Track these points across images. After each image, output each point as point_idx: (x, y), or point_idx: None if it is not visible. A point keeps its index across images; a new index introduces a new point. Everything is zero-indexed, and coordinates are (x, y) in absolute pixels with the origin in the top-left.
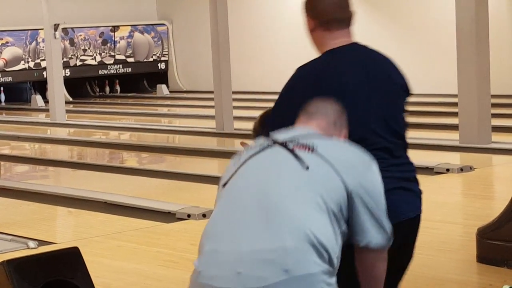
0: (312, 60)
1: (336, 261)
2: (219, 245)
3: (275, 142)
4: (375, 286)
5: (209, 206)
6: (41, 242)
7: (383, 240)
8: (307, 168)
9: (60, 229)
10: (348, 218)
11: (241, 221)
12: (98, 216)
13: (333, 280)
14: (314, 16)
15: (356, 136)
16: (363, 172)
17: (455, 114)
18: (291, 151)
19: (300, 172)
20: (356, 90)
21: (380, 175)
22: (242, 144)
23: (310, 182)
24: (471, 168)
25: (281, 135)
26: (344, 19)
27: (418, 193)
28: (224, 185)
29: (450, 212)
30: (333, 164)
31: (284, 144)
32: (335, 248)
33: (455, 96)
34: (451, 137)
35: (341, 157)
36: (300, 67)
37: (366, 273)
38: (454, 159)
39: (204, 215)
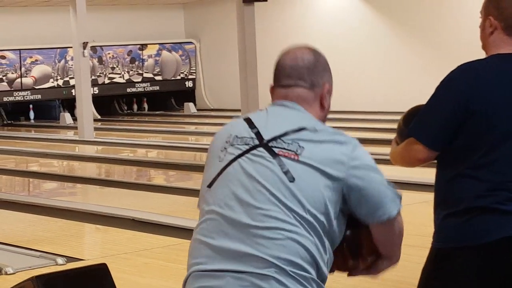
0: (476, 60)
1: (323, 265)
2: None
3: (260, 141)
4: (400, 243)
5: None
6: (69, 259)
7: (399, 203)
8: (293, 180)
9: (88, 246)
10: (355, 206)
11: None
12: (125, 233)
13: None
14: (498, 18)
15: None
16: (352, 161)
17: None
18: (277, 159)
19: (285, 184)
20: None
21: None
22: None
23: (295, 194)
24: None
25: (267, 130)
26: None
27: None
28: (209, 185)
29: None
30: (319, 168)
31: (270, 148)
32: (319, 259)
33: None
34: None
35: (327, 155)
36: (461, 65)
37: (391, 239)
38: None
39: None
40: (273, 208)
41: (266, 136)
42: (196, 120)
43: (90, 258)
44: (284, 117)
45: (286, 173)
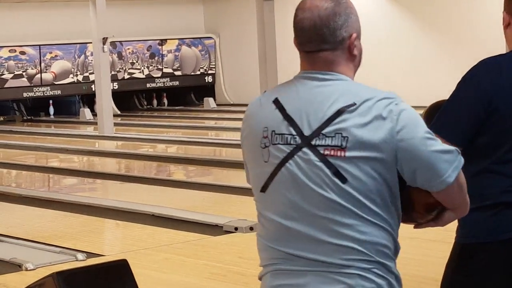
0: (498, 56)
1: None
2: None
3: (302, 139)
4: (464, 197)
5: (256, 219)
6: (90, 254)
7: (456, 164)
8: (345, 180)
9: (108, 242)
10: (410, 178)
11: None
12: (145, 229)
13: None
14: (510, 12)
15: None
16: (398, 134)
17: None
18: (324, 161)
19: (339, 187)
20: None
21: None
22: None
23: (352, 195)
24: None
25: (305, 121)
26: None
27: None
28: (262, 190)
29: None
30: (368, 157)
31: (315, 147)
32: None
33: None
34: None
35: (372, 138)
36: (483, 61)
37: (453, 200)
38: None
39: (251, 228)
40: (336, 215)
41: (307, 131)
42: (215, 115)
43: (110, 254)
44: (319, 97)
45: (336, 174)
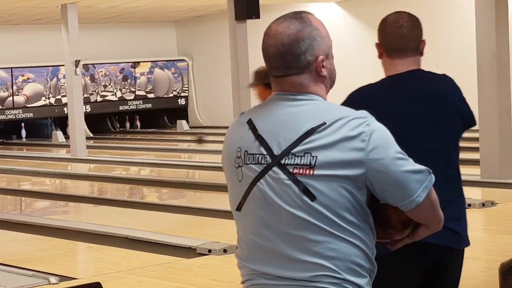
0: (373, 84)
1: (371, 255)
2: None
3: (272, 158)
4: (436, 213)
5: (230, 242)
6: (62, 278)
7: (426, 184)
8: (314, 198)
9: (81, 265)
10: (380, 196)
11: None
12: (119, 252)
13: None
14: (380, 43)
15: None
16: (369, 154)
17: (476, 149)
18: (293, 179)
19: (307, 204)
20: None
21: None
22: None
23: (320, 212)
24: (492, 204)
25: (275, 141)
26: (405, 49)
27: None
28: (238, 209)
29: (472, 247)
30: (337, 175)
31: (284, 166)
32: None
33: (476, 131)
34: (472, 172)
35: (341, 157)
36: (361, 88)
37: (425, 217)
38: (475, 194)
39: (225, 251)
40: (305, 232)
41: (276, 150)
42: (189, 138)
43: (83, 277)
44: (289, 117)
45: (305, 192)
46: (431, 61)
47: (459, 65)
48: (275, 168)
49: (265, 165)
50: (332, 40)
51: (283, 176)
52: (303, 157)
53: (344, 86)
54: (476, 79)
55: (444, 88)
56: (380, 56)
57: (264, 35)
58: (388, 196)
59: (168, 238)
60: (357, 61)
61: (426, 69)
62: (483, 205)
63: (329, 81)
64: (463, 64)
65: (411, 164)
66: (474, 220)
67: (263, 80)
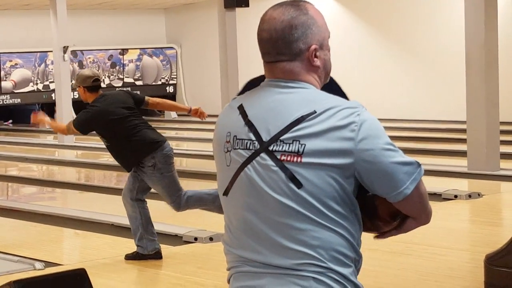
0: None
1: (357, 245)
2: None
3: (261, 144)
4: (425, 206)
5: (216, 230)
6: (48, 264)
7: (415, 176)
8: (300, 185)
9: (67, 251)
10: (368, 186)
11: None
12: (105, 238)
13: None
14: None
15: None
16: (358, 144)
17: (463, 141)
18: (281, 166)
19: (294, 192)
20: None
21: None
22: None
23: (307, 200)
24: (479, 195)
25: (264, 127)
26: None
27: None
28: (225, 193)
29: (458, 238)
30: (325, 163)
31: (272, 153)
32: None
33: (463, 122)
34: (459, 164)
35: (330, 146)
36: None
37: (413, 210)
38: (462, 185)
39: (211, 239)
40: (290, 219)
41: (265, 136)
42: (176, 126)
43: (68, 263)
44: (280, 104)
45: (292, 179)
46: (419, 51)
47: (445, 55)
48: (263, 154)
49: (253, 151)
50: (330, 32)
51: (270, 162)
52: (291, 144)
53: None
54: (465, 72)
55: None
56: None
57: (260, 20)
58: (377, 187)
59: (154, 225)
60: (349, 53)
61: (412, 58)
62: (470, 196)
63: (323, 72)
64: (451, 54)
65: (400, 156)
66: (460, 211)
67: (83, 83)
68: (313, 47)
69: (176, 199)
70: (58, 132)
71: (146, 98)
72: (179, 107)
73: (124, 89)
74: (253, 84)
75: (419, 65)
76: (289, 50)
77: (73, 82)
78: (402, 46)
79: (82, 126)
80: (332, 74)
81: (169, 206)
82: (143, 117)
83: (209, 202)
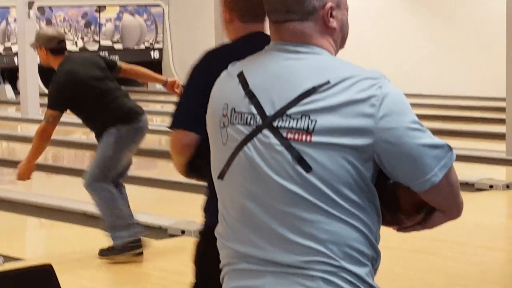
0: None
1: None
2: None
3: (263, 119)
4: (455, 197)
5: None
6: (7, 258)
7: (445, 161)
8: (310, 169)
9: (30, 243)
10: (390, 172)
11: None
12: (75, 229)
13: None
14: (230, 8)
15: None
16: (379, 122)
17: (502, 121)
18: (287, 145)
19: (302, 177)
20: None
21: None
22: None
23: (316, 186)
24: None
25: (268, 98)
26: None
27: None
28: (220, 176)
29: (492, 236)
30: (339, 144)
31: (276, 129)
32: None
33: (502, 100)
34: (496, 148)
35: (345, 123)
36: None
37: (441, 201)
38: (499, 174)
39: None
40: (297, 209)
41: (269, 110)
42: (162, 98)
43: (32, 258)
44: (287, 72)
45: (300, 161)
46: (450, 15)
47: (482, 24)
48: (265, 131)
49: (254, 127)
50: None
51: (274, 141)
52: (299, 120)
53: (369, 49)
54: (506, 40)
55: None
56: (230, 22)
57: None
58: (399, 173)
59: (134, 215)
60: (384, 26)
61: (446, 29)
62: (507, 187)
63: (340, 36)
64: (488, 22)
65: (428, 137)
66: (497, 203)
67: (46, 44)
68: (329, 4)
69: (97, 176)
70: (40, 147)
71: (119, 63)
72: (154, 77)
73: (101, 53)
74: (215, 56)
75: (452, 35)
76: (301, 7)
77: (33, 41)
78: (435, 14)
79: (59, 100)
80: (367, 45)
81: (83, 177)
82: (121, 87)
83: (114, 212)
